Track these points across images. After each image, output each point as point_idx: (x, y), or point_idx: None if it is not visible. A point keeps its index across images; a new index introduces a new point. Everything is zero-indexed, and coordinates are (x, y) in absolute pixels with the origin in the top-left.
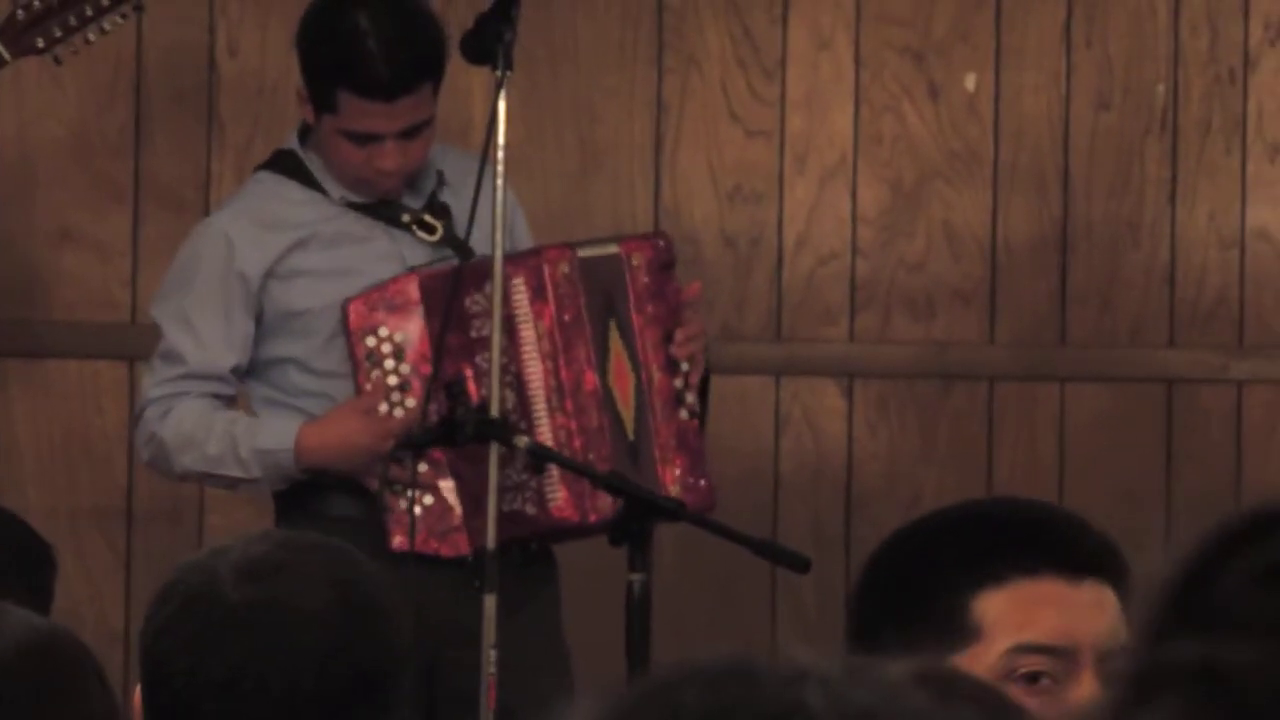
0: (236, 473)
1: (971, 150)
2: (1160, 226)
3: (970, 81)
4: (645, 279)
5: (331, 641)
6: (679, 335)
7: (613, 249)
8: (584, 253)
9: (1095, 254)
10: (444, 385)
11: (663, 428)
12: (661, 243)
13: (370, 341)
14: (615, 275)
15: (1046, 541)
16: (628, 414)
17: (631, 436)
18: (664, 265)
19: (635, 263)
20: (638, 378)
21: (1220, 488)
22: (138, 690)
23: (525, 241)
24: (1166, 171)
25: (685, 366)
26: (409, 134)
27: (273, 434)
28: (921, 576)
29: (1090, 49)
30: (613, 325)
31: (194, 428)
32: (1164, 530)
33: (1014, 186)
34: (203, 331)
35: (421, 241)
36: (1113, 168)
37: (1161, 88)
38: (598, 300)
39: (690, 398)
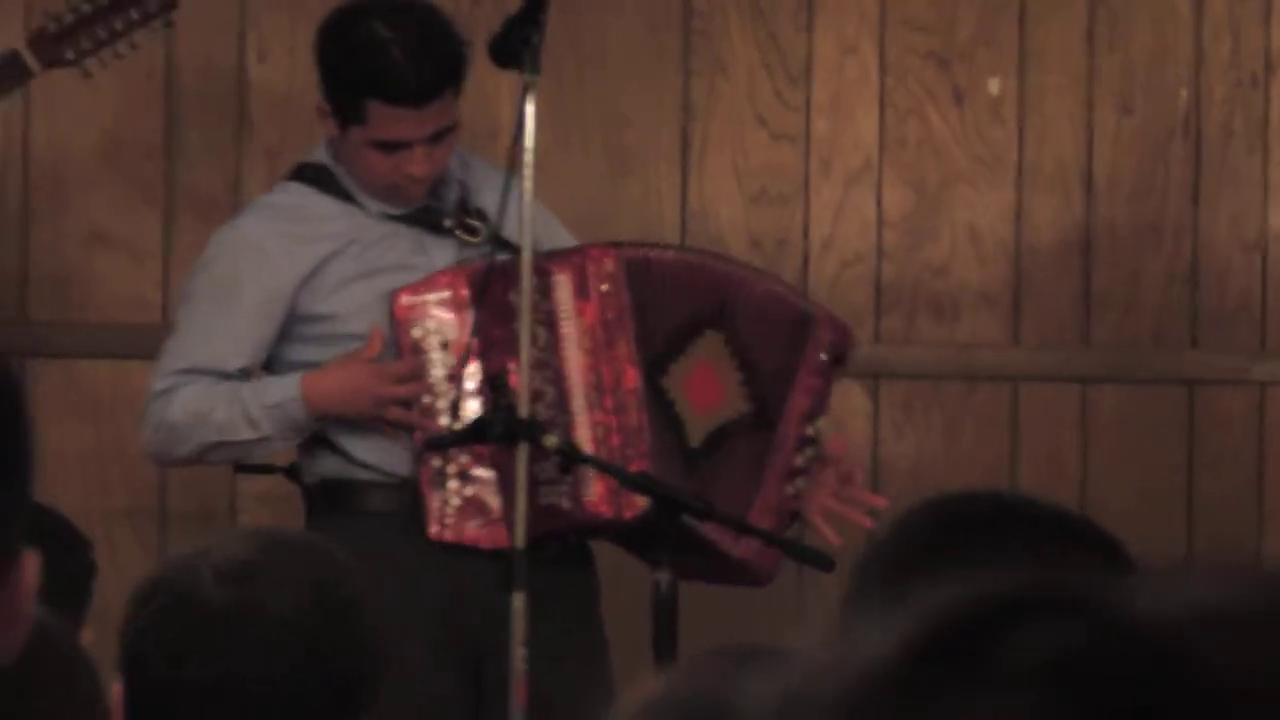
0: (247, 434)
1: (995, 153)
2: (1182, 229)
3: (994, 85)
4: (819, 356)
5: (311, 644)
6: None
7: (809, 311)
8: (773, 286)
9: (1118, 256)
10: (487, 378)
11: (746, 465)
12: (849, 337)
13: (417, 333)
14: (795, 330)
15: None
16: (697, 421)
17: (695, 445)
18: (839, 355)
19: (822, 336)
20: (754, 406)
21: (1242, 488)
22: (115, 687)
23: (567, 245)
24: (1189, 174)
25: (811, 453)
26: (436, 138)
27: (278, 388)
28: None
29: (1113, 53)
30: (717, 338)
31: (200, 403)
32: (1185, 530)
33: (1037, 189)
34: (218, 332)
35: (463, 245)
36: (1135, 171)
37: (1184, 91)
38: (702, 309)
39: (802, 483)
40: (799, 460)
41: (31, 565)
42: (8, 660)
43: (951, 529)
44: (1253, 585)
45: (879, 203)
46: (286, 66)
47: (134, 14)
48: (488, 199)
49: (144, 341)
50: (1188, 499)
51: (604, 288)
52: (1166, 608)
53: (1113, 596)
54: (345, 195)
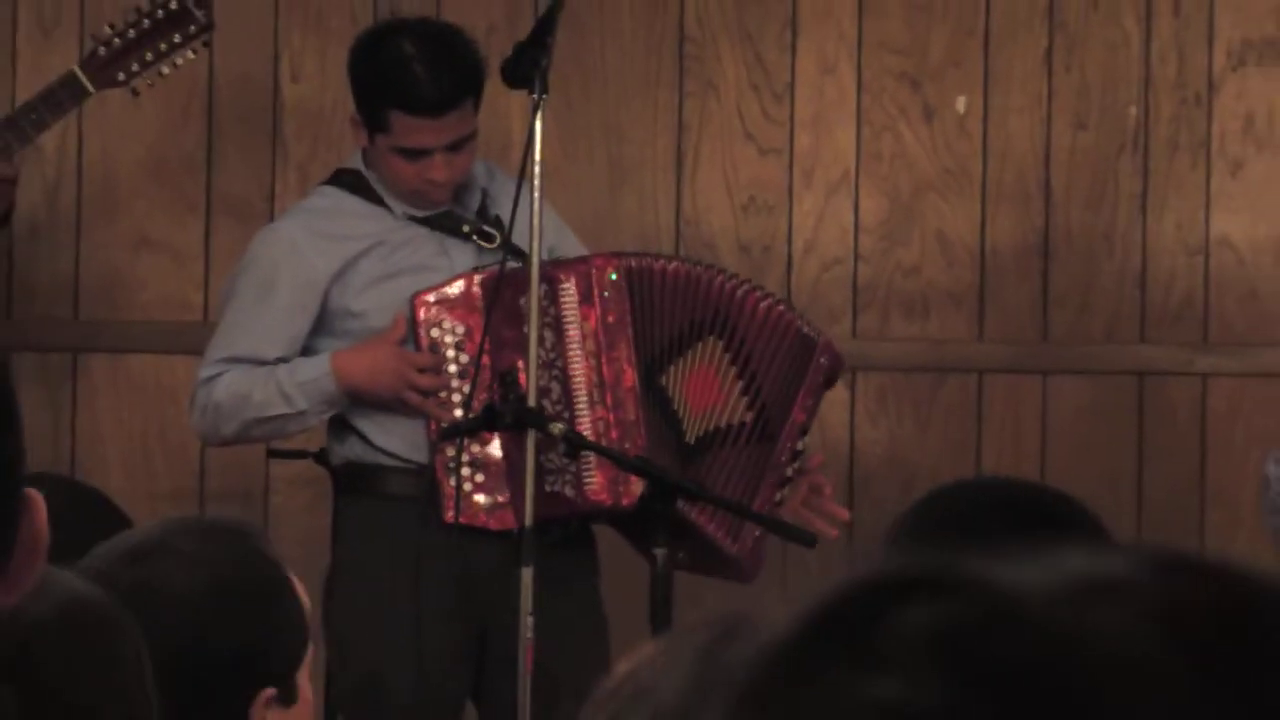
0: (284, 409)
1: (962, 166)
2: (1132, 235)
3: (961, 104)
4: (820, 379)
5: (200, 620)
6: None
7: (812, 336)
8: (776, 304)
9: (1074, 260)
10: (498, 375)
11: (738, 470)
12: (842, 363)
13: (434, 333)
14: (798, 351)
15: (1035, 523)
16: (693, 419)
17: (690, 440)
18: (832, 379)
19: (823, 360)
20: (757, 417)
21: (1187, 469)
22: None
23: (577, 252)
24: (1138, 185)
25: (798, 465)
26: (455, 147)
27: (309, 366)
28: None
29: (1069, 74)
30: (716, 344)
31: (240, 386)
32: (1135, 508)
33: (1000, 199)
34: (256, 325)
35: (480, 250)
36: (1089, 182)
37: (1134, 110)
38: (703, 317)
39: (787, 492)
40: (789, 471)
41: (39, 504)
42: (24, 594)
43: (962, 515)
44: (1125, 560)
45: (856, 211)
46: (317, 85)
47: (177, 37)
48: (506, 208)
49: (186, 338)
50: (1138, 478)
51: (606, 294)
52: (1041, 584)
53: (992, 575)
54: (375, 198)
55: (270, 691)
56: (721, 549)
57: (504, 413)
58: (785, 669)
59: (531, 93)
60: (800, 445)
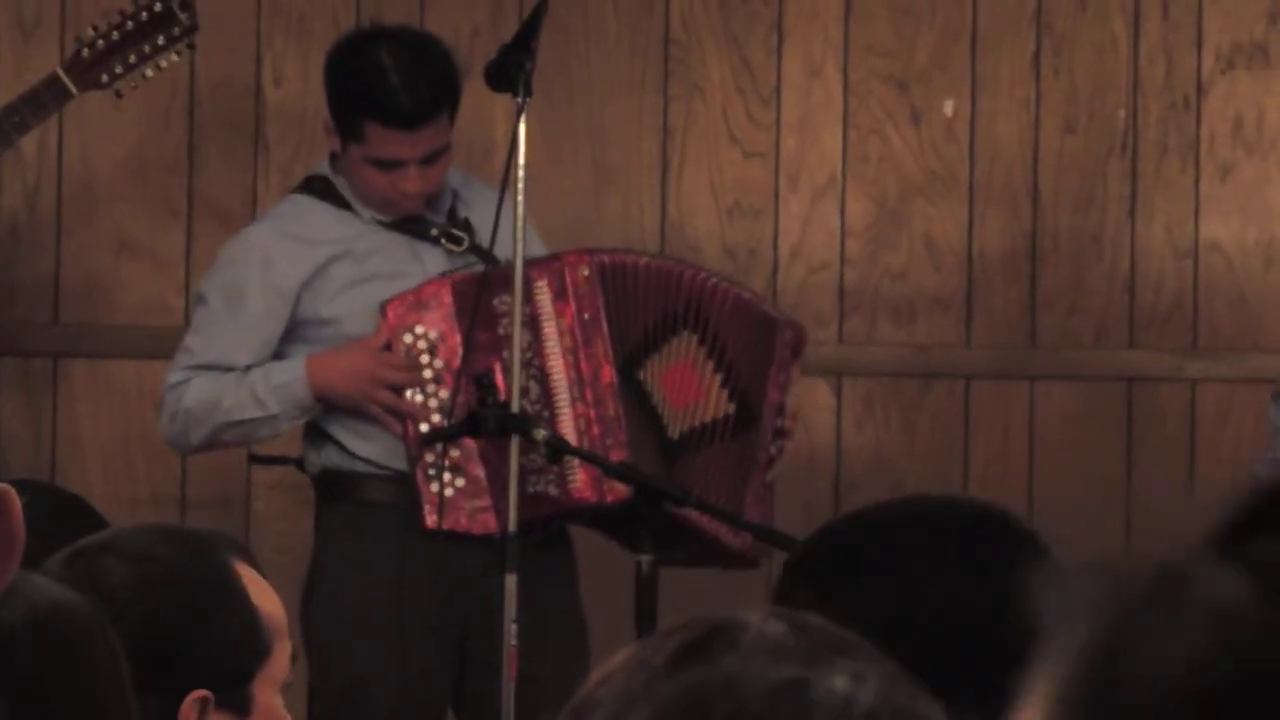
0: (256, 413)
1: (949, 170)
2: (1121, 239)
3: (948, 107)
4: (787, 353)
5: (123, 614)
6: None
7: (774, 315)
8: (740, 292)
9: (1062, 264)
10: (474, 378)
11: (723, 462)
12: (804, 333)
13: (407, 339)
14: (763, 332)
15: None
16: (674, 413)
17: (674, 436)
18: (798, 349)
19: (786, 337)
20: (739, 407)
21: (1175, 476)
22: None
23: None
24: (1127, 189)
25: (781, 443)
26: (429, 159)
27: (284, 369)
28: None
29: (1057, 78)
30: (691, 339)
31: (211, 390)
32: (1124, 514)
33: (988, 202)
34: (227, 331)
35: (448, 254)
36: (1078, 185)
37: (1122, 113)
38: (676, 310)
39: (776, 469)
40: (774, 450)
41: (13, 501)
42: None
43: (876, 533)
44: None
45: (843, 215)
46: (299, 89)
47: (161, 39)
48: (477, 213)
49: (167, 342)
50: (1126, 485)
51: (580, 291)
52: None
53: None
54: (343, 204)
55: (201, 693)
56: (725, 544)
57: (487, 418)
58: (1166, 581)
59: (515, 96)
60: (780, 422)
